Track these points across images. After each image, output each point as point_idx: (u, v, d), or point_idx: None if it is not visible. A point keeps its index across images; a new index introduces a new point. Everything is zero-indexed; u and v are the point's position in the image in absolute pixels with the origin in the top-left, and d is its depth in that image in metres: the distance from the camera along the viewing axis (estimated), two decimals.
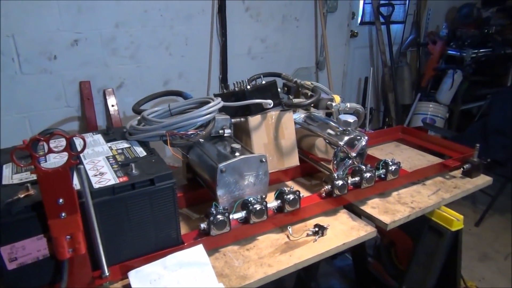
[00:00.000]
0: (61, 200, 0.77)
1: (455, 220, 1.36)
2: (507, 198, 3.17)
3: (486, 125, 3.01)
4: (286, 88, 1.52)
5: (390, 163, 1.33)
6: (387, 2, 3.71)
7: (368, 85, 3.73)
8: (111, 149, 1.06)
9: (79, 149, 0.81)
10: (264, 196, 1.14)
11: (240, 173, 1.10)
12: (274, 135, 1.34)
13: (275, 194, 1.15)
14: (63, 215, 0.79)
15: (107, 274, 0.90)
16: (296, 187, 1.38)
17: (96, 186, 0.86)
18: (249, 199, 1.10)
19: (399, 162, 1.36)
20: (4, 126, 2.20)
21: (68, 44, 2.31)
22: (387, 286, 2.06)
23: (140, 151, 1.05)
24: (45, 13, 2.18)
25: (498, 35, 3.96)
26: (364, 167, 1.29)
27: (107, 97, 2.45)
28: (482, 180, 1.51)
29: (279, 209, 1.15)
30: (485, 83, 4.00)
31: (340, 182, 1.22)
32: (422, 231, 1.45)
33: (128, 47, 2.51)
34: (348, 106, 1.41)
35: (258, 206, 1.08)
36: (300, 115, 1.49)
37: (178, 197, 1.24)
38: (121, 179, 0.89)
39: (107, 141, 1.12)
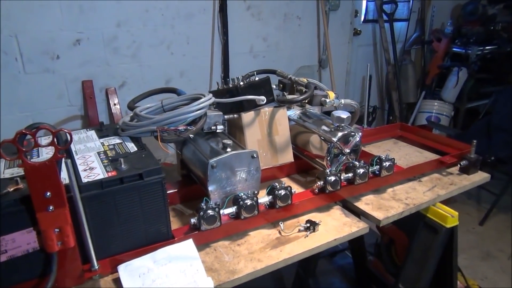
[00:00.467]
0: (48, 194, 0.79)
1: (450, 216, 1.35)
2: (511, 196, 3.13)
3: (489, 123, 2.98)
4: (281, 85, 1.52)
5: (384, 159, 1.33)
6: None
7: (365, 82, 3.72)
8: (103, 145, 1.07)
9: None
10: (256, 192, 1.14)
11: (231, 169, 1.10)
12: (267, 131, 1.34)
13: (266, 190, 1.16)
14: (50, 208, 0.80)
15: (97, 267, 0.91)
16: (291, 183, 1.38)
17: (85, 180, 0.88)
18: (240, 195, 1.10)
19: (393, 159, 1.35)
20: (7, 125, 2.23)
21: (70, 43, 2.34)
22: (387, 284, 2.05)
23: (132, 147, 1.06)
24: (47, 13, 2.21)
25: (504, 32, 3.92)
26: (358, 163, 1.29)
27: (109, 96, 2.48)
28: (479, 177, 1.49)
29: (271, 205, 1.15)
30: (491, 81, 3.95)
31: (332, 178, 1.22)
32: (417, 228, 1.44)
33: (129, 46, 2.53)
34: (343, 102, 1.40)
35: (248, 202, 1.08)
36: (295, 111, 1.49)
37: (172, 193, 1.27)
38: (110, 174, 0.90)
39: (100, 137, 1.13)
